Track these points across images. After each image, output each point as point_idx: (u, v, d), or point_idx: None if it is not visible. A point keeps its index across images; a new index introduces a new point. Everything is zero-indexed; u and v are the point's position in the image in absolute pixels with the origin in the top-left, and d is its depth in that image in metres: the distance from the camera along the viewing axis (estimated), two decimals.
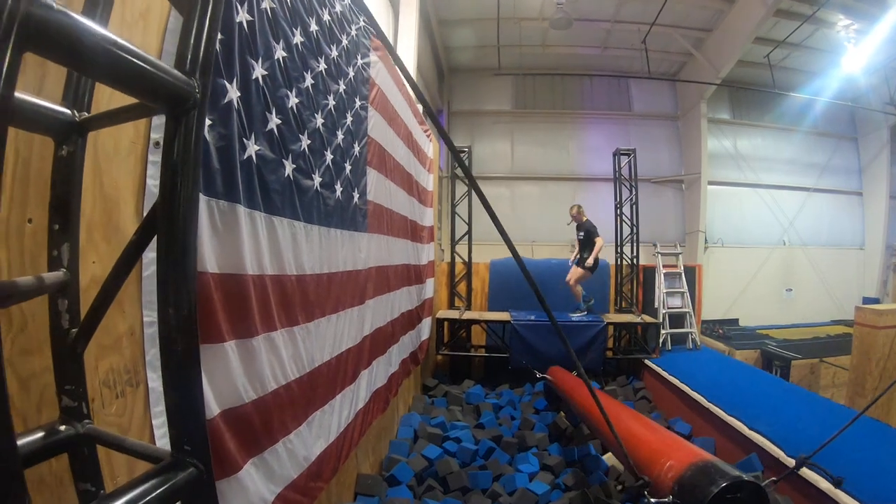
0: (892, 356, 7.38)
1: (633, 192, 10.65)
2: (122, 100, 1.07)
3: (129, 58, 0.87)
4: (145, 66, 0.90)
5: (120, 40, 0.87)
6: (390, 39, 8.43)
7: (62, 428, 1.20)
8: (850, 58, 12.32)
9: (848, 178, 16.25)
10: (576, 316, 9.02)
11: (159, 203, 0.96)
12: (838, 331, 13.52)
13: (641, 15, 11.74)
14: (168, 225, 0.95)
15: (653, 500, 2.97)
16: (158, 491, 0.92)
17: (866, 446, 4.84)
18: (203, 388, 1.04)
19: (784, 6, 11.08)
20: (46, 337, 1.27)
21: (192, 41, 0.99)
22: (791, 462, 4.63)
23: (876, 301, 14.48)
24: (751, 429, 5.35)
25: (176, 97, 0.95)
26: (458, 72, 14.79)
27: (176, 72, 0.95)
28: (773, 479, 3.45)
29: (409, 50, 8.56)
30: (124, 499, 0.88)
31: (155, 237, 0.99)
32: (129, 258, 1.15)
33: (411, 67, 8.52)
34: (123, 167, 1.75)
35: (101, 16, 1.21)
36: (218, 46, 1.97)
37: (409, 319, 6.23)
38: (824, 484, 4.21)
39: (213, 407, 1.98)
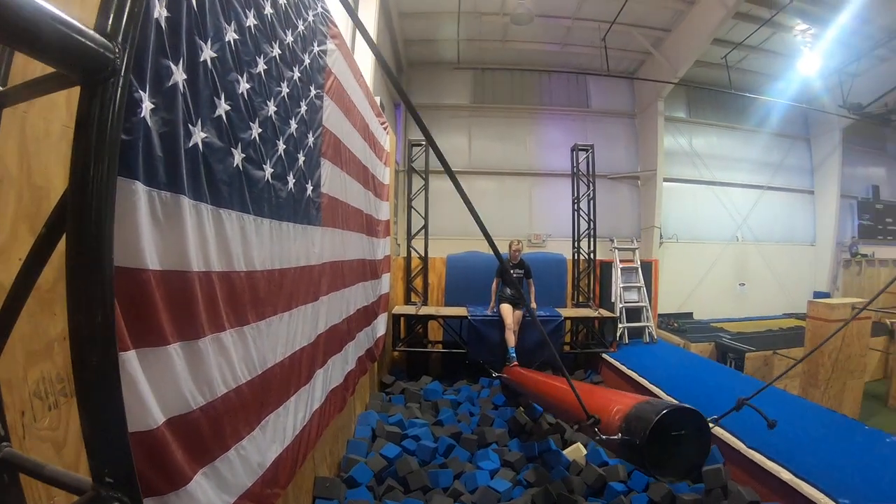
0: (843, 348, 7.61)
1: (591, 188, 10.68)
2: (41, 70, 0.90)
3: (29, 10, 0.70)
4: (52, 21, 0.72)
5: None
6: (349, 30, 8.24)
7: None
8: (805, 61, 12.75)
9: (800, 176, 16.81)
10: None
11: (69, 192, 0.81)
12: (790, 324, 13.94)
13: (602, 13, 11.84)
14: (78, 218, 0.80)
15: (603, 436, 3.13)
16: None
17: (830, 439, 5.05)
18: (124, 410, 0.87)
19: (743, 9, 11.29)
20: None
21: None
22: (750, 452, 4.79)
23: (826, 295, 15.03)
24: (710, 421, 5.42)
25: (91, 63, 0.79)
26: (416, 65, 14.63)
27: (91, 31, 0.79)
28: (715, 417, 3.57)
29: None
30: None
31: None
32: (40, 256, 1.00)
33: (368, 60, 8.34)
34: (55, 153, 1.57)
35: None
36: (164, 24, 1.82)
37: (365, 316, 6.08)
38: (786, 475, 4.35)
39: (157, 416, 1.82)
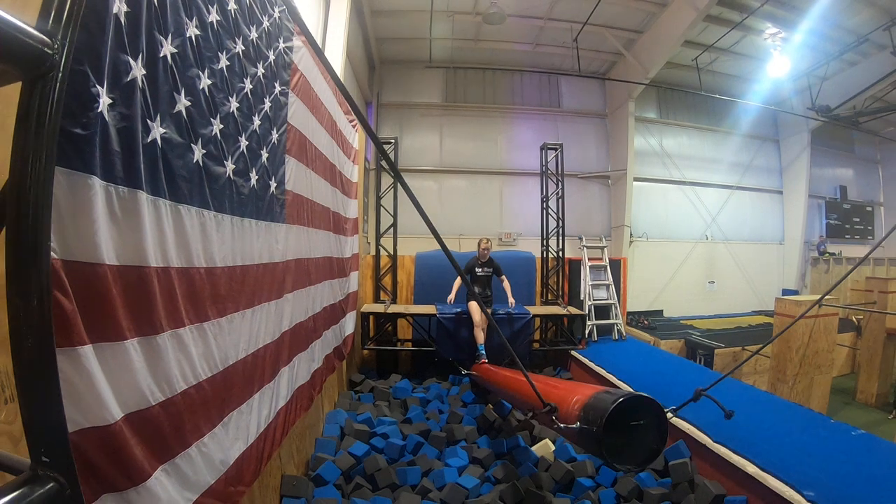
0: (810, 344, 7.80)
1: (560, 186, 10.77)
2: None
3: None
4: None
5: None
6: (321, 26, 8.20)
7: None
8: (775, 64, 13.00)
9: (769, 177, 17.21)
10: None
11: (8, 184, 0.82)
12: (759, 321, 14.24)
13: (574, 14, 11.93)
14: (16, 210, 0.82)
15: (561, 425, 3.12)
16: None
17: (796, 433, 5.13)
18: (60, 393, 0.90)
19: (714, 12, 11.48)
20: None
21: None
22: (717, 447, 4.87)
23: (795, 293, 15.41)
24: (668, 411, 5.53)
25: (29, 59, 0.81)
26: (388, 63, 14.58)
27: (28, 28, 0.81)
28: (673, 407, 3.64)
29: (338, 39, 8.31)
30: None
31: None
32: None
33: (340, 56, 8.31)
34: (8, 145, 1.56)
35: None
36: (123, 19, 1.81)
37: (333, 314, 6.05)
38: (752, 468, 4.42)
39: (114, 411, 1.81)
